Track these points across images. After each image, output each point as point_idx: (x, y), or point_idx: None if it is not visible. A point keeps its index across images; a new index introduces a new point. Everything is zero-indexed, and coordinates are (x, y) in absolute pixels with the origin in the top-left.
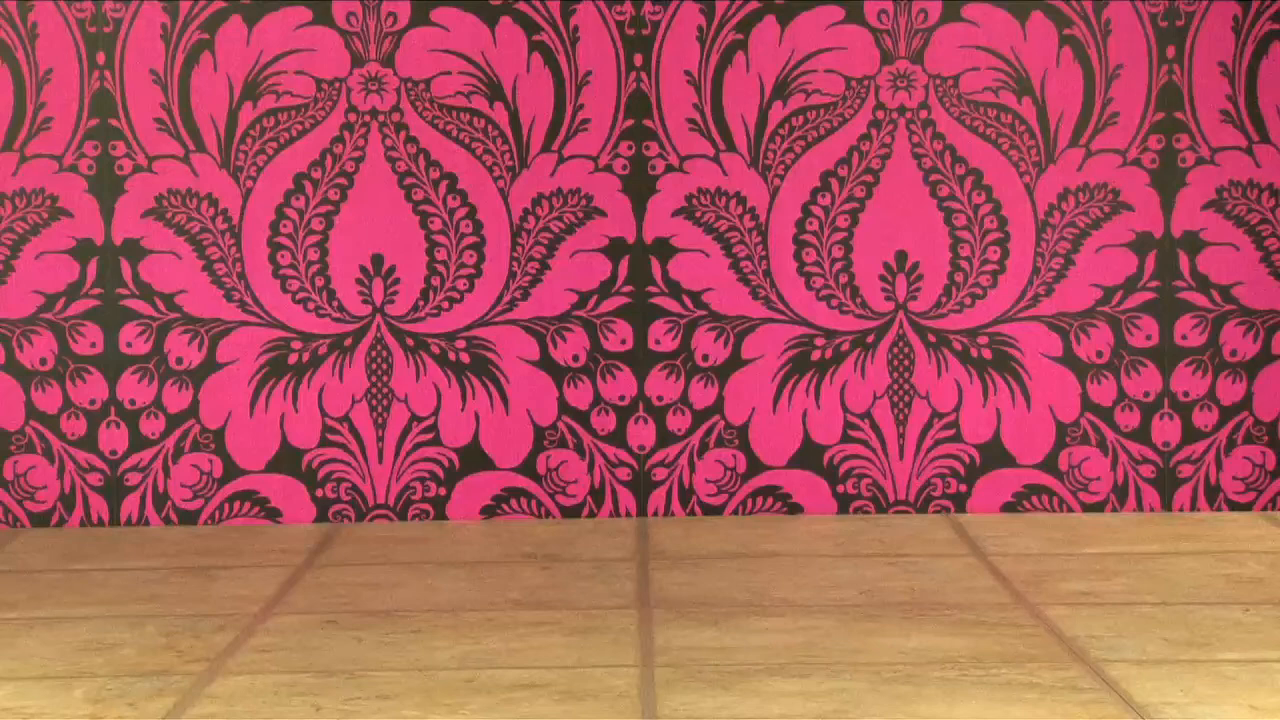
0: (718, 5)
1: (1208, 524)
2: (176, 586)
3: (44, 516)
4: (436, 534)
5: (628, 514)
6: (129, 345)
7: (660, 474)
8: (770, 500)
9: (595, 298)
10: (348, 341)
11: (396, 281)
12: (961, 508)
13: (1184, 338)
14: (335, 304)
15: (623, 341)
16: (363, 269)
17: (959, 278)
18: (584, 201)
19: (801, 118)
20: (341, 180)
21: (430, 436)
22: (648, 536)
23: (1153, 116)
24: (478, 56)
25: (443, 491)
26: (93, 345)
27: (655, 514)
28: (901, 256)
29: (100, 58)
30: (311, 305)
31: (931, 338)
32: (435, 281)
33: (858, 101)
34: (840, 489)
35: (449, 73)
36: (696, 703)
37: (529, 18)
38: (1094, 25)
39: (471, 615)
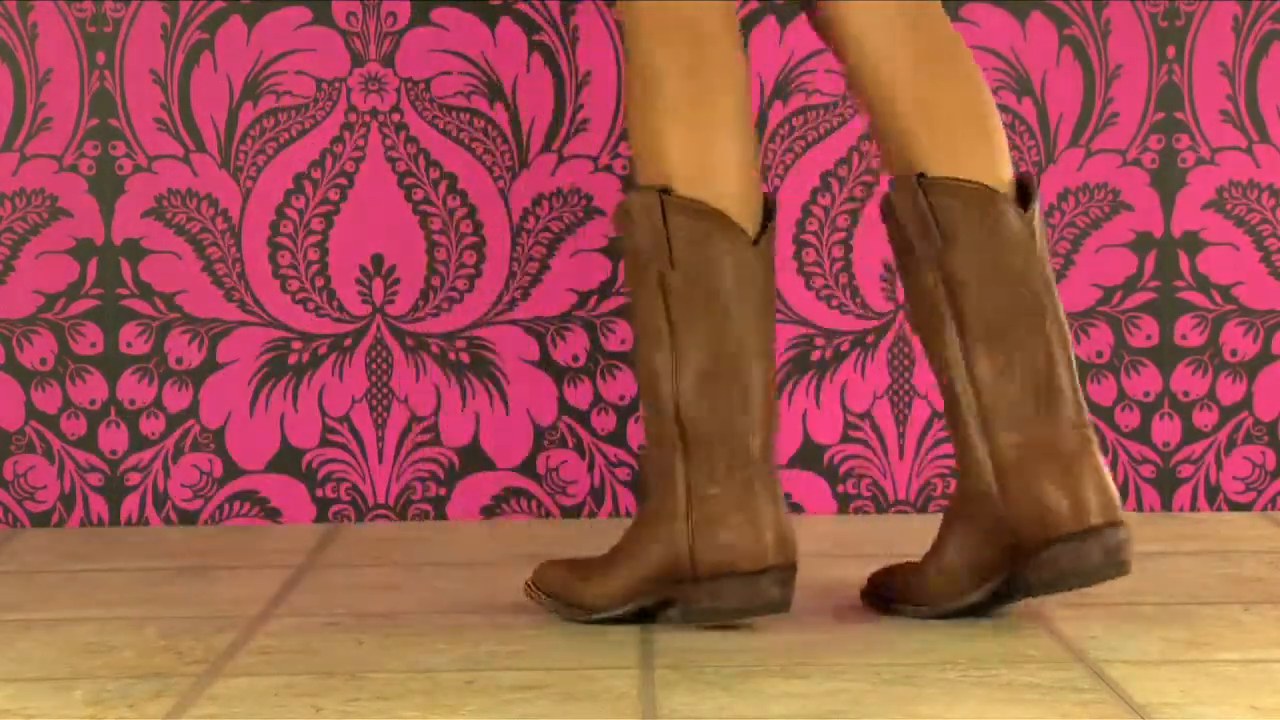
0: None
1: (1208, 524)
2: (176, 587)
3: (44, 516)
4: (436, 534)
5: (628, 514)
6: (129, 345)
7: None
8: None
9: (595, 298)
10: (347, 341)
11: (396, 282)
12: None
13: (1184, 338)
14: (335, 304)
15: (622, 341)
16: (363, 269)
17: None
18: (584, 201)
19: (801, 118)
20: (341, 180)
21: (430, 436)
22: None
23: (1153, 116)
24: (478, 56)
25: (443, 491)
26: (93, 345)
27: None
28: None
29: (100, 58)
30: (311, 305)
31: None
32: (435, 281)
33: None
34: (840, 489)
35: (449, 73)
36: (696, 704)
37: (529, 18)
38: (1094, 25)
39: (472, 616)
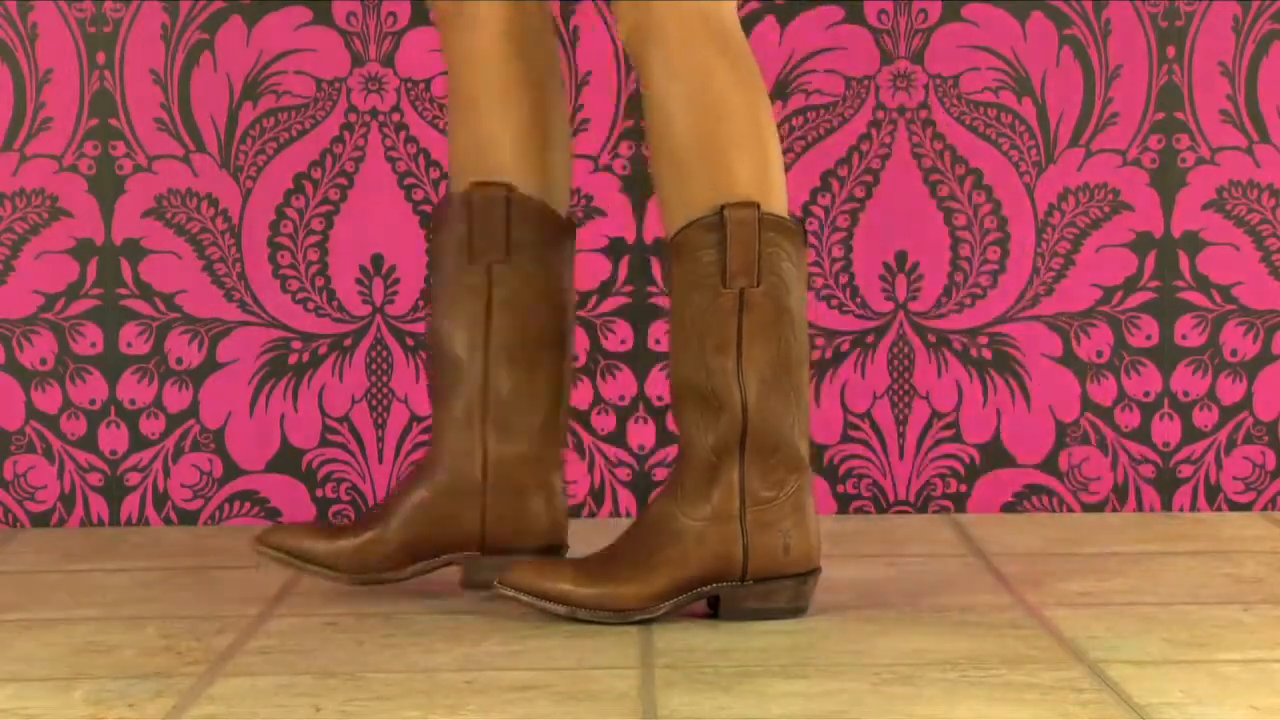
0: None
1: (1208, 524)
2: (176, 587)
3: (44, 516)
4: None
5: (627, 514)
6: (129, 345)
7: (660, 474)
8: None
9: (595, 298)
10: (347, 341)
11: (396, 281)
12: (961, 508)
13: (1184, 338)
14: (335, 304)
15: (623, 341)
16: (363, 269)
17: (959, 278)
18: (584, 201)
19: (801, 118)
20: (341, 180)
21: (429, 436)
22: None
23: (1153, 116)
24: None
25: None
26: (93, 345)
27: None
28: (901, 256)
29: (100, 58)
30: (311, 305)
31: (931, 338)
32: None
33: (858, 101)
34: (840, 489)
35: (448, 73)
36: (696, 704)
37: None
38: (1094, 25)
39: (471, 617)
